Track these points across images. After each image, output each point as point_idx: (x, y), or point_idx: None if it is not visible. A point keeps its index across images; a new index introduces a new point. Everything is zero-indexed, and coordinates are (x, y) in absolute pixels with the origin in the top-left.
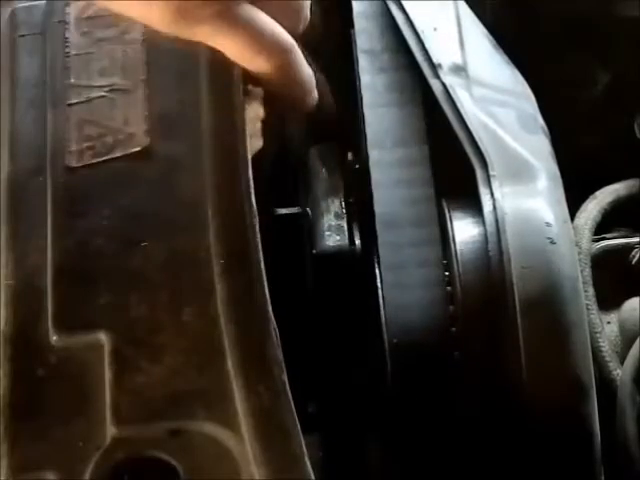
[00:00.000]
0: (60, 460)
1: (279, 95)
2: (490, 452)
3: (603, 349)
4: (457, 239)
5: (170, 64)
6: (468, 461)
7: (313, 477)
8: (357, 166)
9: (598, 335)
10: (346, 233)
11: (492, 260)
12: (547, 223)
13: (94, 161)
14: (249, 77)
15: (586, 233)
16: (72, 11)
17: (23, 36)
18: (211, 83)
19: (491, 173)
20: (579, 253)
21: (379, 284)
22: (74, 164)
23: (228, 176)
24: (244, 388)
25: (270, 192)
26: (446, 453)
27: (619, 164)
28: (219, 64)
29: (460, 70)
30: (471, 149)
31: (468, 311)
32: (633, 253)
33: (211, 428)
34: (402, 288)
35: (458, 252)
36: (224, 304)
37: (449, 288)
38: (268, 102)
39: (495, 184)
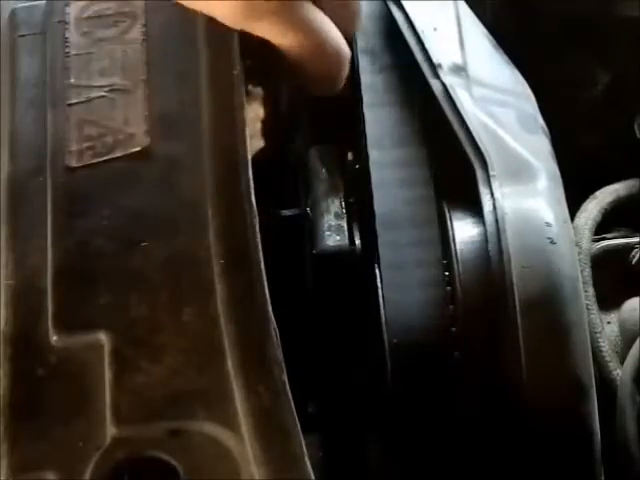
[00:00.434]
0: (60, 460)
1: (313, 76)
2: (490, 452)
3: (603, 349)
4: (457, 239)
5: (170, 64)
6: (468, 461)
7: (313, 477)
8: (357, 166)
9: (598, 335)
10: (346, 233)
11: (492, 260)
12: (547, 223)
13: (94, 161)
14: (249, 77)
15: (586, 233)
16: (72, 11)
17: (23, 36)
18: (211, 83)
19: (491, 173)
20: (579, 253)
21: (379, 284)
22: (74, 164)
23: (228, 176)
24: (244, 388)
25: (270, 192)
26: (446, 453)
27: (619, 164)
28: (219, 64)
29: (460, 70)
30: (471, 149)
31: (468, 311)
32: (633, 253)
33: (211, 428)
34: (402, 288)
35: (458, 252)
36: (224, 304)
37: (449, 288)
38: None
39: (495, 184)
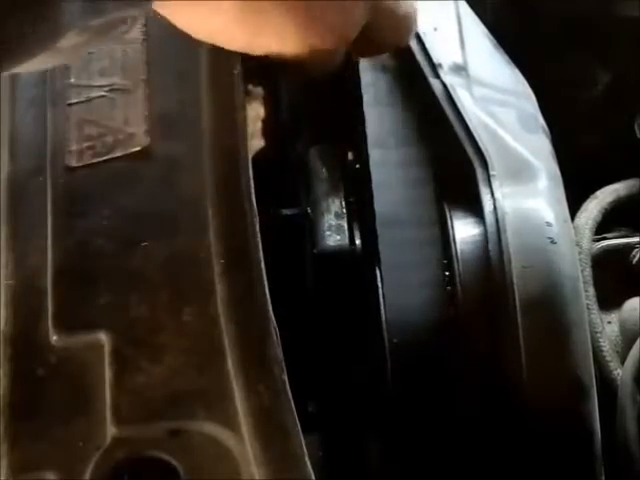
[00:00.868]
0: (60, 460)
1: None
2: (490, 452)
3: (604, 349)
4: (457, 239)
5: (170, 64)
6: (468, 461)
7: (313, 477)
8: (357, 166)
9: (599, 335)
10: (346, 233)
11: (492, 260)
12: (547, 223)
13: (94, 161)
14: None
15: (587, 233)
16: None
17: None
18: (211, 83)
19: (491, 173)
20: (579, 253)
21: (379, 284)
22: (74, 164)
23: (228, 176)
24: (244, 388)
25: (270, 192)
26: (446, 453)
27: (619, 164)
28: (219, 64)
29: (460, 70)
30: (471, 149)
31: (468, 311)
32: (633, 253)
33: (211, 428)
34: (402, 288)
35: (458, 252)
36: (224, 304)
37: (449, 288)
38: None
39: (495, 184)
